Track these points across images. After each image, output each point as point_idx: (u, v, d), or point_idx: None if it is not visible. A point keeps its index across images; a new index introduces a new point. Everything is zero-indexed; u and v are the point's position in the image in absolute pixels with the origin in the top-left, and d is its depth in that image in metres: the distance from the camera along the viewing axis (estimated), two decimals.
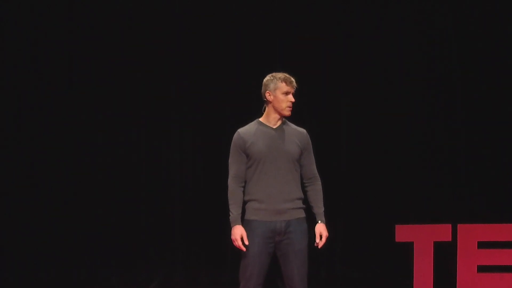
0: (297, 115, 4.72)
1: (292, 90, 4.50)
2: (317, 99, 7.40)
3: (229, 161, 4.57)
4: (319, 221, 4.55)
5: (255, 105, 4.73)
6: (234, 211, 4.48)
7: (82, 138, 7.39)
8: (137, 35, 7.39)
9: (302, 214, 4.58)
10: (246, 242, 4.42)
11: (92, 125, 7.39)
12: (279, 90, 4.47)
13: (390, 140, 7.42)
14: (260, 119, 4.61)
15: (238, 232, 4.45)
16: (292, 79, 4.52)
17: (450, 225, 6.74)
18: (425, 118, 7.43)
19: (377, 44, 7.41)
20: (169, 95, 7.44)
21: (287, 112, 4.53)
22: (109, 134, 7.43)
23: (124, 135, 7.45)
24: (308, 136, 4.64)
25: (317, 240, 4.52)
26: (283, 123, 4.60)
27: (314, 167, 4.63)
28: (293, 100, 4.50)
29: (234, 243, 4.48)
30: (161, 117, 7.48)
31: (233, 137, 4.60)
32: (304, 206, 4.59)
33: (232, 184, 4.52)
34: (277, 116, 4.54)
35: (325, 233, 4.53)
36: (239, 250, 4.46)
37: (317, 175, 4.64)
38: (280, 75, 4.52)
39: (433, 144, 7.44)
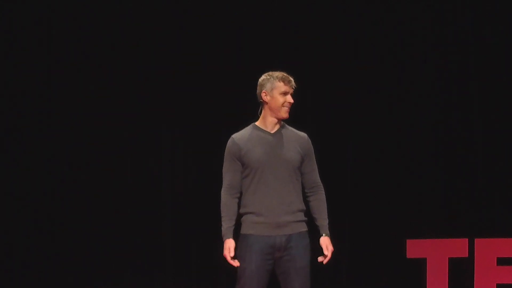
0: (297, 119, 4.65)
1: (291, 90, 4.41)
2: (320, 100, 7.31)
3: (223, 170, 4.46)
4: (324, 234, 4.43)
5: (251, 108, 4.65)
6: (225, 224, 4.38)
7: (68, 143, 7.39)
8: (129, 36, 7.33)
9: (304, 227, 4.44)
10: (232, 254, 4.34)
11: (78, 130, 7.34)
12: (277, 90, 4.37)
13: (400, 147, 7.27)
14: (256, 123, 4.49)
15: (226, 247, 4.36)
16: (291, 78, 4.43)
17: (467, 239, 6.73)
18: (440, 124, 7.28)
19: (388, 42, 7.29)
20: (157, 96, 7.39)
21: (285, 114, 4.42)
22: (96, 137, 7.39)
23: (111, 140, 7.39)
24: (310, 141, 4.52)
25: (325, 252, 4.42)
26: (282, 127, 4.48)
27: (317, 175, 4.51)
28: (291, 101, 4.41)
29: (226, 258, 4.41)
30: (149, 123, 7.42)
31: (227, 144, 4.48)
32: (306, 219, 4.46)
33: (225, 195, 4.42)
34: (275, 120, 4.43)
35: (330, 248, 4.42)
36: (236, 267, 4.40)
37: (320, 184, 4.52)
38: (277, 73, 4.43)
39: (448, 152, 7.29)
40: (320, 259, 4.43)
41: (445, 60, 7.21)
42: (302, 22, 7.31)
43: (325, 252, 4.43)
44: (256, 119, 4.53)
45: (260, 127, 4.48)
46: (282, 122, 4.50)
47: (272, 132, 4.46)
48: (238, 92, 6.95)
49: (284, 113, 4.43)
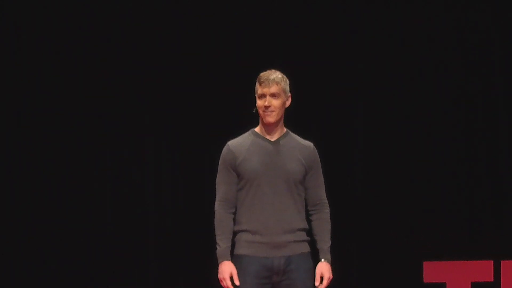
0: (300, 127, 4.53)
1: (268, 91, 4.23)
2: (326, 106, 7.13)
3: (217, 180, 4.31)
4: (322, 259, 4.26)
5: (250, 111, 4.45)
6: (222, 243, 4.21)
7: (48, 155, 7.15)
8: (117, 38, 7.12)
9: (306, 248, 4.27)
10: (237, 283, 4.19)
11: (58, 140, 7.18)
12: (257, 93, 4.27)
13: (416, 158, 7.11)
14: (256, 129, 4.34)
15: (227, 270, 4.19)
16: (270, 76, 4.25)
17: (492, 261, 6.64)
18: (461, 132, 7.16)
19: (400, 41, 7.12)
20: (140, 96, 7.15)
21: (267, 119, 4.26)
22: (72, 146, 7.16)
23: (88, 147, 7.22)
24: (316, 151, 4.35)
25: (316, 283, 4.24)
26: (285, 134, 4.33)
27: (323, 191, 4.35)
28: (267, 104, 4.24)
29: (221, 283, 4.24)
30: (130, 126, 7.19)
31: (222, 151, 4.33)
32: (309, 238, 4.31)
33: (220, 210, 4.25)
34: (272, 126, 4.29)
35: (327, 275, 4.24)
36: None
37: (326, 201, 4.36)
38: (261, 73, 4.30)
39: (469, 163, 7.15)
40: (316, 283, 4.28)
41: (470, 65, 7.17)
42: (311, 23, 7.19)
43: (316, 283, 4.26)
44: (255, 124, 4.38)
45: (259, 133, 4.33)
46: (285, 129, 4.34)
47: (273, 140, 4.29)
48: (235, 93, 6.78)
49: (266, 118, 4.25)
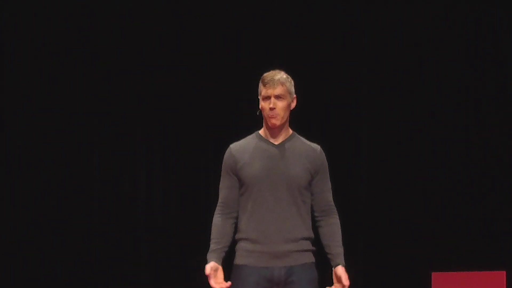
0: (305, 130, 4.44)
1: (273, 93, 4.16)
2: (331, 108, 7.17)
3: (219, 185, 4.27)
4: (340, 264, 4.17)
5: (250, 112, 4.51)
6: (213, 245, 4.19)
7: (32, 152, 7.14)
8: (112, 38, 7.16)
9: (309, 258, 4.20)
10: (211, 282, 4.10)
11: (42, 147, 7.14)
12: (261, 95, 4.20)
13: (425, 167, 7.18)
14: (260, 132, 4.27)
15: (207, 268, 4.13)
16: (275, 77, 4.18)
17: (505, 272, 6.64)
18: (471, 142, 7.23)
19: (405, 44, 7.19)
20: (131, 95, 7.15)
21: (271, 122, 4.19)
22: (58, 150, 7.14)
23: (86, 149, 7.18)
24: (323, 154, 4.26)
25: (344, 282, 4.14)
26: (290, 137, 4.25)
27: (330, 196, 4.27)
28: (272, 106, 4.16)
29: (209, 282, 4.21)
30: (119, 129, 7.15)
31: (224, 155, 4.27)
32: (313, 248, 4.22)
33: (217, 215, 4.22)
34: (275, 129, 4.21)
35: (346, 281, 4.15)
36: None
37: (333, 206, 4.29)
38: (265, 74, 4.22)
39: (480, 172, 7.22)
40: None
41: (484, 61, 7.23)
42: (316, 25, 7.22)
43: (345, 282, 4.14)
44: (260, 126, 4.30)
45: (264, 137, 4.26)
46: (291, 131, 4.27)
47: (277, 143, 4.22)
48: (235, 93, 6.88)
49: (270, 121, 4.17)
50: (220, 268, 4.14)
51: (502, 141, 7.22)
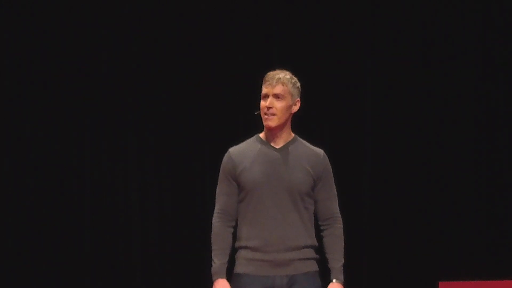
0: (306, 133, 4.33)
1: (271, 91, 4.09)
2: (333, 110, 7.09)
3: (216, 191, 4.21)
4: (334, 280, 4.11)
5: (253, 114, 4.29)
6: (217, 259, 4.10)
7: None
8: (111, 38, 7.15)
9: (313, 267, 4.14)
10: None
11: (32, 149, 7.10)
12: (261, 94, 4.17)
13: (432, 175, 7.09)
14: (260, 135, 4.19)
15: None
16: (276, 75, 4.11)
17: None
18: (479, 150, 7.13)
19: (410, 44, 7.12)
20: (126, 97, 7.09)
21: (266, 123, 4.12)
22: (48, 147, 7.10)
23: (85, 152, 7.13)
24: (327, 159, 4.18)
25: None
26: (292, 141, 4.17)
27: (335, 204, 4.21)
28: (268, 105, 4.09)
29: None
30: (111, 130, 7.09)
31: (223, 159, 4.20)
32: (317, 256, 4.17)
33: (217, 223, 4.14)
34: (274, 132, 4.13)
35: None
36: None
37: (338, 215, 4.22)
38: (269, 72, 4.17)
39: (488, 179, 7.13)
40: None
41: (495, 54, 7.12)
42: (321, 26, 7.16)
43: None
44: (261, 128, 4.21)
45: (264, 140, 4.18)
46: (293, 135, 4.18)
47: (278, 147, 4.13)
48: (235, 93, 6.80)
49: (265, 121, 4.11)
50: (228, 285, 4.13)
51: (507, 153, 7.17)
